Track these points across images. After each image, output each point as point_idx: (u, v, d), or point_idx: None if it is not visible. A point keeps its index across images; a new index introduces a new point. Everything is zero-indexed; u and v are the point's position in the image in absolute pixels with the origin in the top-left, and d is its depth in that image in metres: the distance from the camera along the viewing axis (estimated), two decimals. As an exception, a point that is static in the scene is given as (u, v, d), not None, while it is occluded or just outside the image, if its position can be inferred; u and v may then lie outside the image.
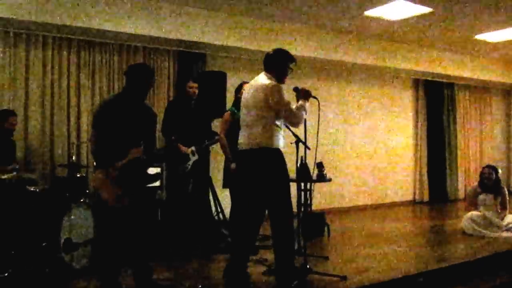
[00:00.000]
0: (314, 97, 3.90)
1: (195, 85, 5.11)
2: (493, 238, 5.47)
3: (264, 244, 4.81)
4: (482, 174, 6.03)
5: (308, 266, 3.94)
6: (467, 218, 5.80)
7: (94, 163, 3.48)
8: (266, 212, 3.67)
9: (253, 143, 3.56)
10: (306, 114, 3.74)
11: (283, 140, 3.66)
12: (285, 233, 3.60)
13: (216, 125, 6.16)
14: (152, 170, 5.21)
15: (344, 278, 3.84)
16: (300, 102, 3.74)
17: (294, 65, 3.78)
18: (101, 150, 3.23)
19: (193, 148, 4.92)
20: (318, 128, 3.98)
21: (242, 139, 3.67)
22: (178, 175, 4.94)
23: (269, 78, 3.64)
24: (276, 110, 3.55)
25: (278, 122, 3.61)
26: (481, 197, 5.89)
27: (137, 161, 3.26)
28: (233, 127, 5.14)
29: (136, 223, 3.33)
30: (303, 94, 3.79)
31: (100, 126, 3.25)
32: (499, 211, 5.79)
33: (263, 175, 3.55)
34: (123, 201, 3.18)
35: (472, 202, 6.03)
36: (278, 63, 3.71)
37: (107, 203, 3.16)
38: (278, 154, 3.60)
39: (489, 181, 5.89)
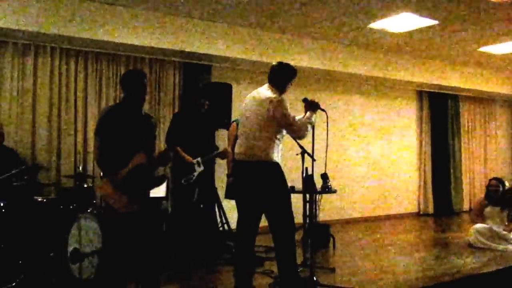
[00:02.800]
0: (323, 110, 3.90)
1: (207, 102, 5.17)
2: (500, 251, 5.43)
3: (270, 256, 4.79)
4: (489, 186, 6.01)
5: (315, 278, 3.92)
6: (474, 231, 5.76)
7: (100, 172, 3.49)
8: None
9: (252, 155, 3.55)
10: (313, 126, 3.74)
11: (280, 153, 3.65)
12: (289, 244, 3.59)
13: (220, 135, 6.20)
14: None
15: (351, 290, 3.82)
16: (308, 114, 3.75)
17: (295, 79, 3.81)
18: (105, 158, 3.25)
19: (198, 159, 4.93)
20: (327, 140, 3.99)
21: (241, 149, 3.65)
22: (183, 185, 4.94)
23: (272, 91, 3.64)
24: (280, 123, 3.56)
25: (279, 136, 3.61)
26: (488, 209, 5.86)
27: (141, 166, 3.26)
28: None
29: (144, 232, 3.31)
30: (312, 106, 3.79)
31: (102, 133, 3.26)
32: (506, 223, 5.76)
33: (262, 188, 3.54)
34: (132, 207, 3.18)
35: (478, 215, 5.99)
36: (282, 76, 3.72)
37: (116, 211, 3.16)
38: (276, 167, 3.59)
39: (496, 193, 5.86)
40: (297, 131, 3.63)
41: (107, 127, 3.25)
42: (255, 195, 3.57)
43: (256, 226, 3.67)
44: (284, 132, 3.67)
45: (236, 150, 3.70)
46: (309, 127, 3.69)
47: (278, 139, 3.61)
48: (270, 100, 3.54)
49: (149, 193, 3.43)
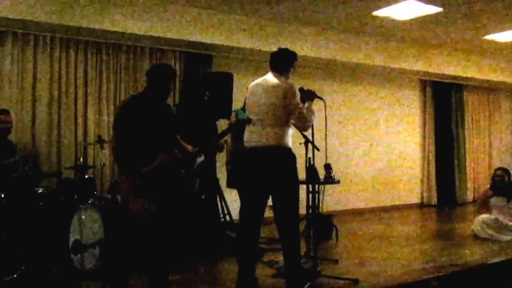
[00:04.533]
0: (320, 98, 3.85)
1: (207, 92, 5.13)
2: (506, 242, 5.37)
3: (272, 247, 4.76)
4: (494, 176, 5.94)
5: (318, 269, 3.88)
6: (479, 222, 5.70)
7: (118, 167, 3.38)
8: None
9: (268, 141, 3.49)
10: (314, 116, 3.69)
11: (292, 140, 3.62)
12: (295, 234, 3.56)
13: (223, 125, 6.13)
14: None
15: (356, 281, 3.77)
16: (307, 104, 3.70)
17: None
18: (123, 155, 3.10)
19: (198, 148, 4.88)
20: (326, 129, 3.94)
21: (253, 137, 3.57)
22: (184, 176, 4.89)
23: (280, 79, 3.59)
24: (291, 110, 3.51)
25: (290, 123, 3.58)
26: (493, 200, 5.80)
27: (163, 167, 3.14)
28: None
29: (161, 232, 3.20)
30: (309, 95, 3.74)
31: (120, 128, 3.13)
32: (512, 214, 5.70)
33: (277, 174, 3.49)
34: (150, 209, 3.05)
35: (484, 205, 5.94)
36: (283, 61, 3.68)
37: (135, 214, 3.05)
38: (291, 154, 3.57)
39: (501, 183, 5.80)
40: (302, 119, 3.57)
41: (125, 121, 3.09)
42: (269, 182, 3.51)
43: (262, 215, 3.62)
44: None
45: (248, 138, 3.63)
46: (313, 116, 3.65)
47: (290, 126, 3.59)
48: (283, 87, 3.50)
49: (171, 193, 3.29)
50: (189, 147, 4.79)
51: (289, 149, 3.56)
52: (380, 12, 6.16)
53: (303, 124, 3.63)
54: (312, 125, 3.78)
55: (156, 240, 3.20)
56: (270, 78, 3.63)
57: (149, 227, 3.10)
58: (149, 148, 3.11)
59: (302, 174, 4.75)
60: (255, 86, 3.68)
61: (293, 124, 3.65)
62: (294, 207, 3.55)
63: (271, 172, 3.49)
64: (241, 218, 3.66)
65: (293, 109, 3.51)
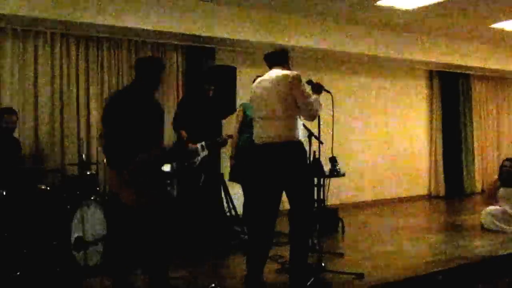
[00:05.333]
0: (328, 91, 3.81)
1: (212, 86, 5.07)
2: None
3: (276, 241, 4.72)
4: (502, 167, 5.86)
5: (323, 264, 3.83)
6: (487, 213, 5.63)
7: (105, 161, 3.40)
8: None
9: (279, 136, 3.45)
10: (321, 108, 3.65)
11: (301, 132, 3.59)
12: (306, 230, 3.53)
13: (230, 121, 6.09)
14: (165, 167, 5.19)
15: (361, 276, 3.72)
16: (315, 96, 3.66)
17: None
18: (111, 149, 3.12)
19: (202, 143, 4.85)
20: (333, 123, 3.90)
21: (263, 132, 3.52)
22: (188, 171, 4.87)
23: (284, 70, 3.56)
24: (297, 97, 3.46)
25: (298, 114, 3.54)
26: (501, 191, 5.71)
27: (150, 160, 3.15)
28: (243, 122, 5.08)
29: (153, 225, 3.19)
30: (317, 88, 3.71)
31: (108, 123, 3.14)
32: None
33: (291, 169, 3.44)
34: (139, 201, 3.07)
35: (491, 196, 5.87)
36: (283, 57, 3.68)
37: (126, 204, 3.07)
38: (302, 147, 3.54)
39: (509, 175, 5.71)
40: (309, 110, 3.52)
41: (112, 116, 3.09)
42: (282, 178, 3.47)
43: (276, 214, 3.57)
44: None
45: (257, 134, 3.58)
46: (319, 108, 3.60)
47: (299, 118, 3.54)
48: (290, 77, 3.46)
49: (161, 186, 3.30)
50: (192, 145, 4.79)
51: (300, 143, 3.52)
52: (384, 2, 6.06)
53: (309, 115, 3.55)
54: (319, 118, 3.75)
55: (149, 234, 3.19)
56: (275, 71, 3.59)
57: (141, 220, 3.11)
58: (137, 143, 3.09)
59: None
60: (261, 82, 3.64)
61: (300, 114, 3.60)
62: (309, 202, 3.54)
63: (284, 169, 3.44)
64: (250, 215, 3.63)
65: (301, 98, 3.46)
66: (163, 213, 3.26)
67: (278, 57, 3.67)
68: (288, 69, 3.62)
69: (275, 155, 3.47)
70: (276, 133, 3.46)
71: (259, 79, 3.71)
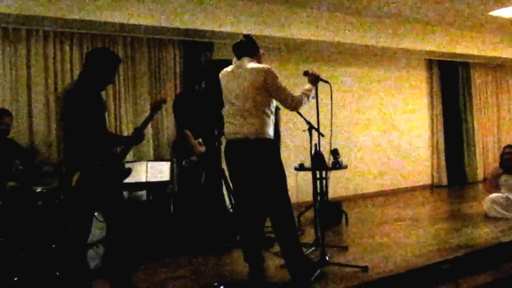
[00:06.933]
0: (326, 81, 3.77)
1: (203, 82, 5.05)
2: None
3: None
4: (503, 154, 5.82)
5: (326, 258, 3.79)
6: (490, 201, 5.60)
7: (68, 160, 3.36)
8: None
9: (250, 133, 3.35)
10: (312, 99, 3.59)
11: (273, 128, 3.49)
12: (287, 227, 3.43)
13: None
14: (162, 164, 5.13)
15: (365, 268, 3.67)
16: (307, 86, 3.60)
17: None
18: (73, 148, 3.07)
19: (199, 140, 4.80)
20: (331, 114, 3.84)
21: (234, 128, 3.42)
22: (188, 168, 4.81)
23: (255, 62, 3.45)
24: (274, 93, 3.38)
25: (272, 109, 3.45)
26: (503, 178, 5.68)
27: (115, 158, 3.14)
28: None
29: (112, 228, 3.19)
30: (313, 79, 3.65)
31: (63, 118, 3.10)
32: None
33: (261, 168, 3.39)
34: (83, 181, 3.02)
35: (493, 184, 5.82)
36: (254, 47, 3.53)
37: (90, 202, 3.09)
38: (274, 145, 3.48)
39: (510, 161, 5.67)
40: (293, 101, 3.42)
41: (64, 111, 3.07)
42: (255, 175, 3.41)
43: (258, 206, 3.52)
44: (274, 103, 3.48)
45: (228, 130, 3.48)
46: (305, 99, 3.51)
47: (272, 113, 3.45)
48: (263, 70, 3.34)
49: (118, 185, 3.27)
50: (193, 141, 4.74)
51: (271, 140, 3.43)
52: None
53: (291, 104, 3.45)
54: (318, 110, 3.70)
55: (110, 234, 3.18)
56: (245, 63, 3.44)
57: (105, 217, 3.13)
58: (94, 139, 3.04)
59: (309, 161, 4.68)
60: (230, 73, 3.49)
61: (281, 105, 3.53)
62: (283, 199, 3.43)
63: (254, 166, 3.39)
64: (237, 212, 3.60)
65: (273, 91, 3.36)
66: (120, 219, 3.19)
67: (247, 46, 3.50)
68: (258, 61, 3.50)
69: (244, 152, 3.40)
70: (246, 129, 3.36)
71: (225, 70, 3.55)
